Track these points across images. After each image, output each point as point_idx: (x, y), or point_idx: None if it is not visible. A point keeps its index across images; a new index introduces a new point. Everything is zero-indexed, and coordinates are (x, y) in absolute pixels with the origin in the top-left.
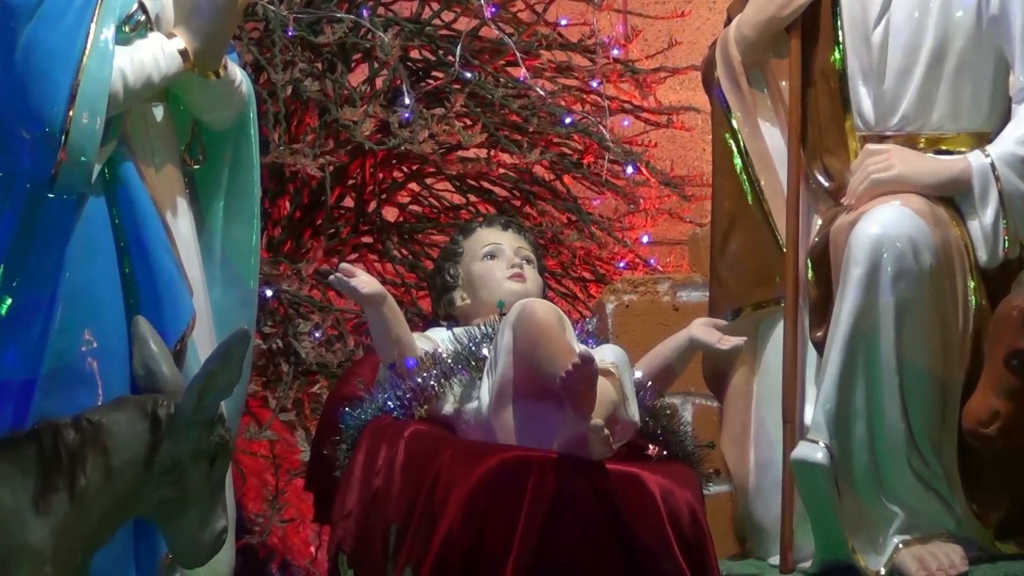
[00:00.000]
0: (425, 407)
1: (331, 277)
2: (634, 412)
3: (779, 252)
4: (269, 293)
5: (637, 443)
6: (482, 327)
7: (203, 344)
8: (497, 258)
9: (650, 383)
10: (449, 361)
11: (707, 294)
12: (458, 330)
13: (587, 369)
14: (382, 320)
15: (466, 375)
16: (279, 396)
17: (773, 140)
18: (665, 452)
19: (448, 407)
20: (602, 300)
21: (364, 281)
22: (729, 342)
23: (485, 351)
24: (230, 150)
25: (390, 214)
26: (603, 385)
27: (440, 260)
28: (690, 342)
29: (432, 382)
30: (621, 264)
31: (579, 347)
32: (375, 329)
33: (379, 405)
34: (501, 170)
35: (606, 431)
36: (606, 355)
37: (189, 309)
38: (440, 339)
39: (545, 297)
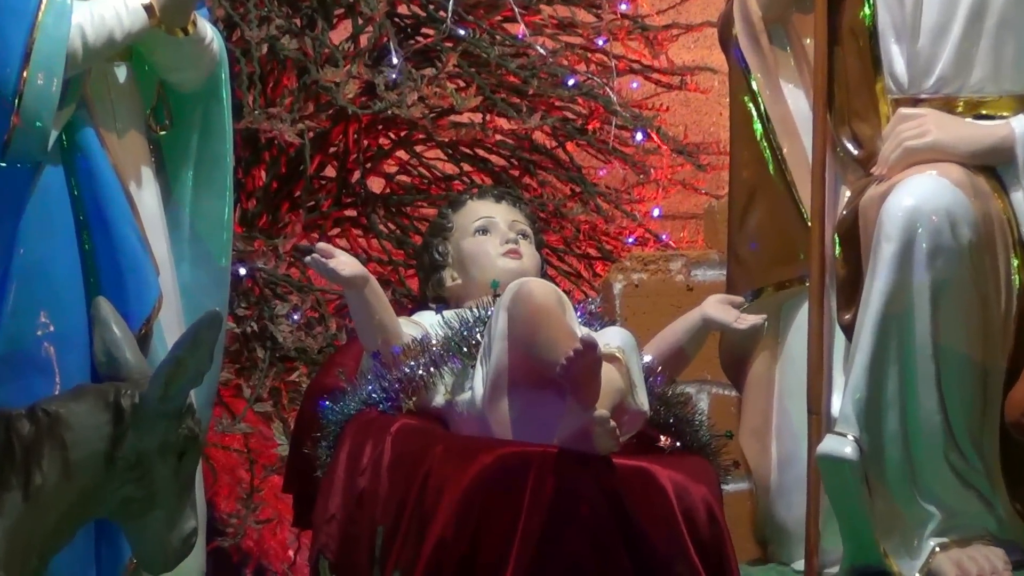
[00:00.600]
0: (413, 399)
1: (308, 258)
2: (643, 400)
3: (803, 227)
4: (243, 271)
5: (647, 434)
6: (475, 310)
7: (170, 328)
8: (490, 233)
9: (660, 368)
10: (439, 348)
11: (724, 273)
12: (448, 313)
13: (590, 355)
14: (364, 304)
15: (458, 363)
16: (254, 385)
17: (797, 104)
18: (678, 443)
19: (439, 399)
20: (609, 279)
21: (344, 262)
22: (746, 321)
23: (479, 336)
24: (200, 115)
25: (376, 185)
26: (608, 372)
27: (428, 236)
28: (703, 322)
29: (420, 371)
30: (630, 240)
31: (581, 331)
32: (357, 314)
33: (363, 398)
34: (498, 137)
35: (612, 423)
36: (611, 338)
37: (155, 289)
38: (429, 324)
39: (544, 275)
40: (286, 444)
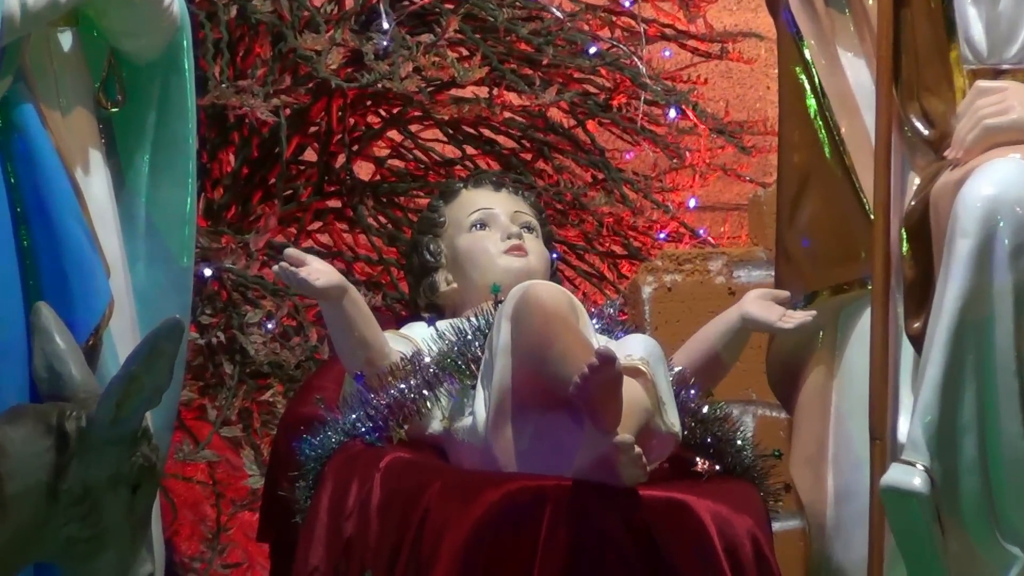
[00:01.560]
0: (405, 427)
1: (274, 267)
2: (673, 420)
3: (865, 220)
4: (208, 273)
5: (681, 458)
6: (474, 319)
7: (123, 338)
8: (489, 227)
9: (692, 379)
10: (433, 366)
11: (771, 274)
12: (443, 325)
13: (608, 370)
14: (343, 319)
15: (455, 384)
16: (221, 405)
17: (857, 75)
18: (718, 467)
19: (435, 425)
20: (636, 282)
21: (318, 270)
22: (793, 319)
23: (478, 351)
24: (157, 89)
25: (364, 171)
26: (631, 388)
27: (416, 234)
28: (742, 322)
29: (412, 395)
30: (661, 235)
31: (598, 341)
32: (335, 331)
33: (346, 428)
34: (507, 114)
35: (638, 448)
36: (633, 348)
37: (105, 293)
38: (420, 338)
39: (554, 276)
40: (258, 475)
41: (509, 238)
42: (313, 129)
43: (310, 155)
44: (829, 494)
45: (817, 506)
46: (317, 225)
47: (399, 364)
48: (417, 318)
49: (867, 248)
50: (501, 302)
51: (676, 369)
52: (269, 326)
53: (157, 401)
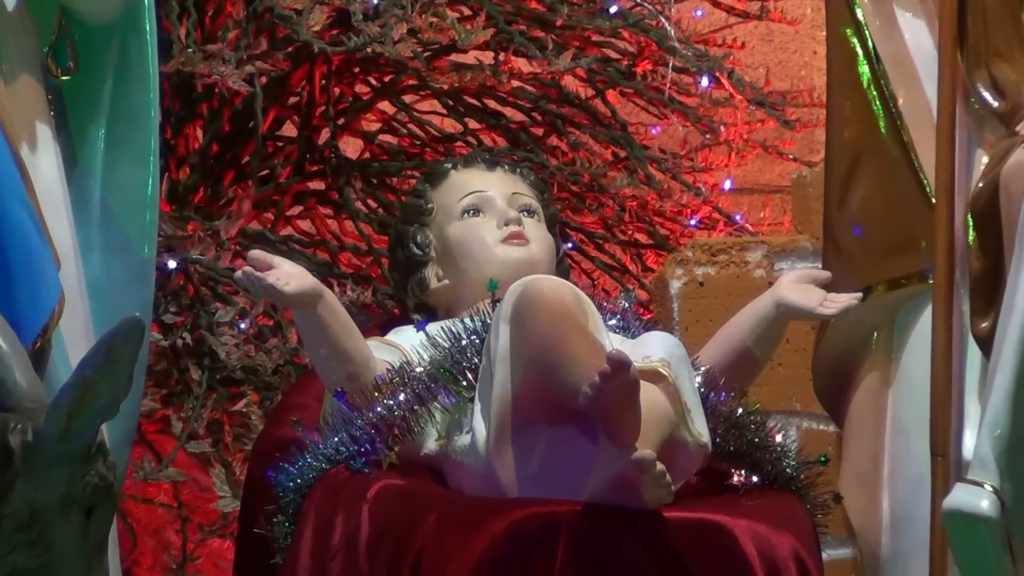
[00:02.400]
0: (396, 449)
1: (236, 274)
2: (701, 430)
3: (925, 204)
4: (172, 265)
5: (715, 470)
6: (469, 321)
7: (75, 340)
8: (483, 213)
9: (723, 379)
10: (424, 377)
11: (818, 266)
12: (433, 328)
13: (622, 377)
14: (319, 328)
15: (450, 397)
16: (187, 416)
17: (917, 39)
18: (755, 479)
19: (430, 445)
20: (664, 275)
21: (287, 274)
22: (836, 303)
23: (475, 358)
24: (114, 54)
25: (351, 148)
26: (650, 395)
27: (401, 224)
28: (777, 310)
29: (402, 411)
30: (692, 222)
31: (608, 342)
32: (310, 342)
33: (328, 454)
34: (515, 83)
35: (660, 465)
36: (652, 348)
37: (55, 288)
38: (410, 345)
39: (561, 263)
40: (230, 497)
41: (507, 224)
42: (293, 100)
43: (289, 130)
44: (884, 519)
45: (870, 532)
46: (297, 210)
47: (386, 376)
48: (405, 321)
49: (928, 236)
50: (499, 300)
51: (702, 369)
52: (242, 326)
53: (115, 412)
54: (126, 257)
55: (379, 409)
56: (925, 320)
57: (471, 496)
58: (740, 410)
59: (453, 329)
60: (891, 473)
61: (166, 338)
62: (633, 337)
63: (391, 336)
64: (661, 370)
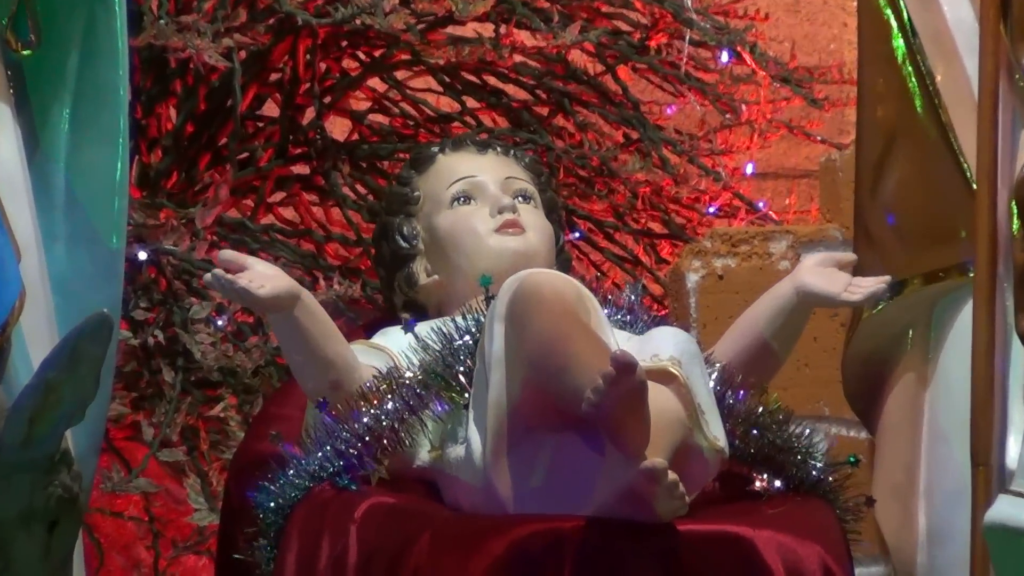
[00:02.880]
0: (385, 463)
1: (207, 276)
2: (716, 434)
3: (965, 190)
4: (143, 256)
5: (735, 474)
6: (461, 320)
7: (37, 338)
8: (475, 200)
9: (739, 376)
10: (414, 384)
11: None
12: (423, 329)
13: (628, 379)
14: (297, 334)
15: (443, 405)
16: (159, 422)
17: (956, 11)
18: (778, 483)
19: (423, 456)
20: (680, 267)
21: (261, 275)
22: (862, 288)
23: (469, 361)
24: (80, 26)
25: (338, 129)
26: (660, 398)
27: (385, 215)
28: (797, 297)
29: (392, 422)
30: (711, 209)
31: (613, 340)
32: (288, 349)
33: (311, 470)
34: (517, 58)
35: (672, 474)
36: (661, 345)
37: (14, 282)
38: (399, 348)
39: (561, 252)
40: (205, 509)
41: (500, 212)
42: (275, 77)
43: (271, 109)
44: (920, 533)
45: (905, 548)
46: (280, 196)
47: (373, 384)
48: (393, 321)
49: (968, 226)
50: (494, 297)
51: (717, 366)
52: (220, 323)
53: (80, 417)
54: (93, 248)
55: (366, 420)
56: (965, 316)
57: (468, 513)
58: (760, 409)
59: (444, 329)
60: (928, 484)
61: (136, 336)
62: (637, 333)
63: (377, 338)
64: (671, 369)
